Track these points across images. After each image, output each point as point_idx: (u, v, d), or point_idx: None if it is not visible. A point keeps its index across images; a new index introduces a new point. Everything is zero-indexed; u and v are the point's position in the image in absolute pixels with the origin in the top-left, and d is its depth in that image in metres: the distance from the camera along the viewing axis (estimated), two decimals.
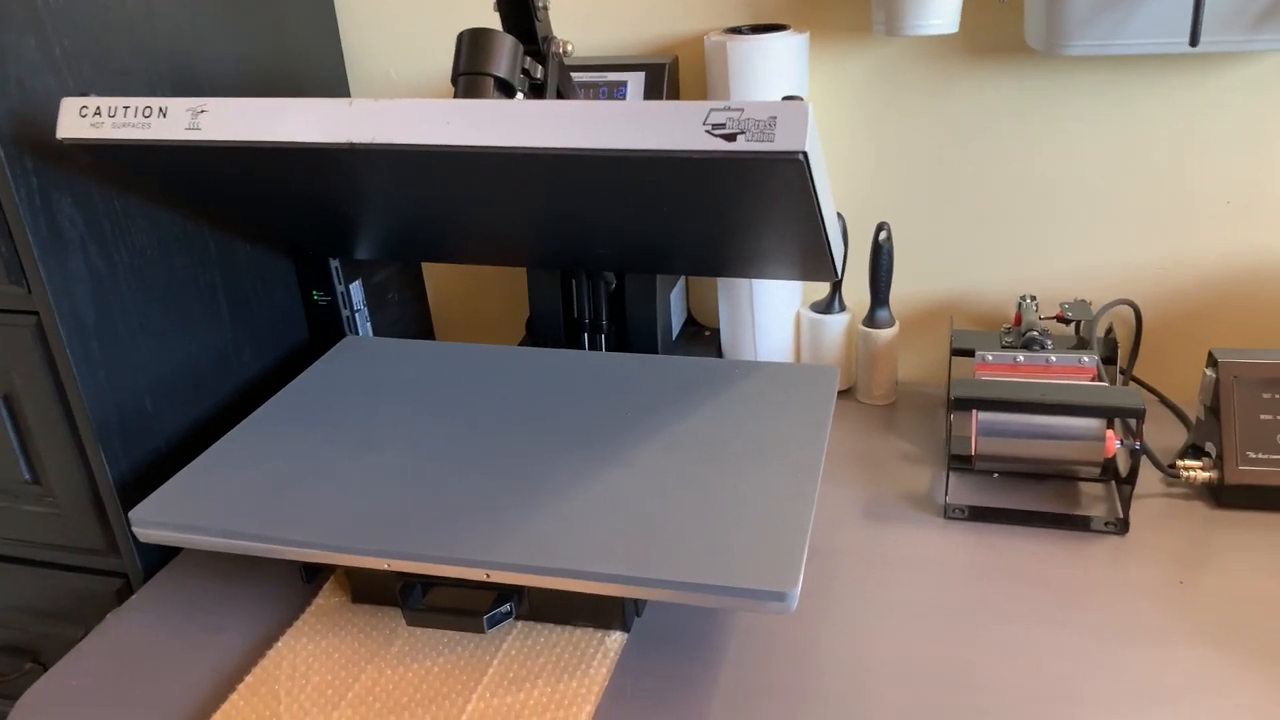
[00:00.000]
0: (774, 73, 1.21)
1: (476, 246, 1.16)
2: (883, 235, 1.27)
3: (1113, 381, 1.18)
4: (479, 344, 1.25)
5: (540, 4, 1.02)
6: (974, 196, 1.31)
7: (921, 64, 1.26)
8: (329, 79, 1.41)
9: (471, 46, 0.93)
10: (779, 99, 0.74)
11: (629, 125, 0.76)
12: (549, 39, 1.04)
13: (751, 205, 0.85)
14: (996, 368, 1.14)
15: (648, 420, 1.02)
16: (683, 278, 1.41)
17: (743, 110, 0.74)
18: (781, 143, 0.73)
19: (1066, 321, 1.22)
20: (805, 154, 0.73)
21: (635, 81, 1.26)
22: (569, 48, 1.04)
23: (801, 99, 0.73)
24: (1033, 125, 1.25)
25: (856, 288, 1.35)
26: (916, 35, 1.20)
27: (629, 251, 1.12)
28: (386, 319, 1.43)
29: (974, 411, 1.05)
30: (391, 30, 1.40)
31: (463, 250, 1.20)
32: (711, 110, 0.74)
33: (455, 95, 0.93)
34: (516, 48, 0.95)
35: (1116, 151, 1.23)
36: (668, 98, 1.26)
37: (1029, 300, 1.28)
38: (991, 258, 1.33)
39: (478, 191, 0.92)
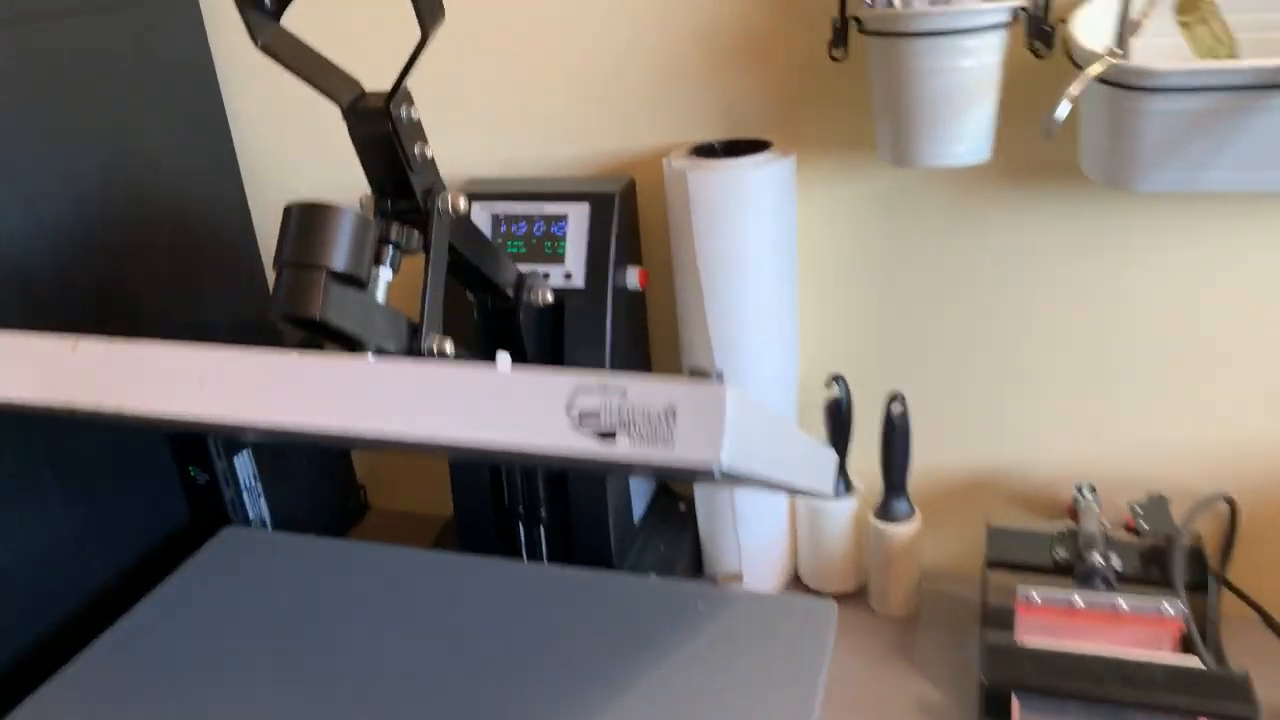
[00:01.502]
0: (749, 207, 0.94)
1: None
2: (897, 409, 0.99)
3: (1203, 590, 0.89)
4: (387, 545, 0.99)
5: (416, 151, 0.75)
6: (1011, 354, 1.02)
7: (942, 192, 0.98)
8: (226, 194, 1.17)
9: (298, 232, 0.67)
10: (685, 378, 0.46)
11: (454, 407, 0.49)
12: (433, 192, 0.77)
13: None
14: (1045, 612, 0.85)
15: (577, 672, 0.75)
16: None
17: (624, 393, 0.46)
18: (684, 450, 0.45)
19: (1139, 534, 0.92)
20: (721, 469, 0.45)
21: (578, 215, 1.00)
22: (461, 204, 0.78)
23: (718, 377, 0.46)
24: (1088, 268, 0.96)
25: (866, 462, 1.06)
26: (944, 167, 0.91)
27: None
28: (293, 492, 1.17)
29: (1013, 699, 0.76)
30: (284, 139, 1.15)
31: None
32: (579, 391, 0.47)
33: (273, 292, 0.67)
34: (365, 229, 0.69)
35: (1201, 304, 0.94)
36: (619, 234, 0.99)
37: (1087, 495, 0.98)
38: (1035, 429, 1.04)
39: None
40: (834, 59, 0.91)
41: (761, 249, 0.96)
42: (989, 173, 0.95)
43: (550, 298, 0.96)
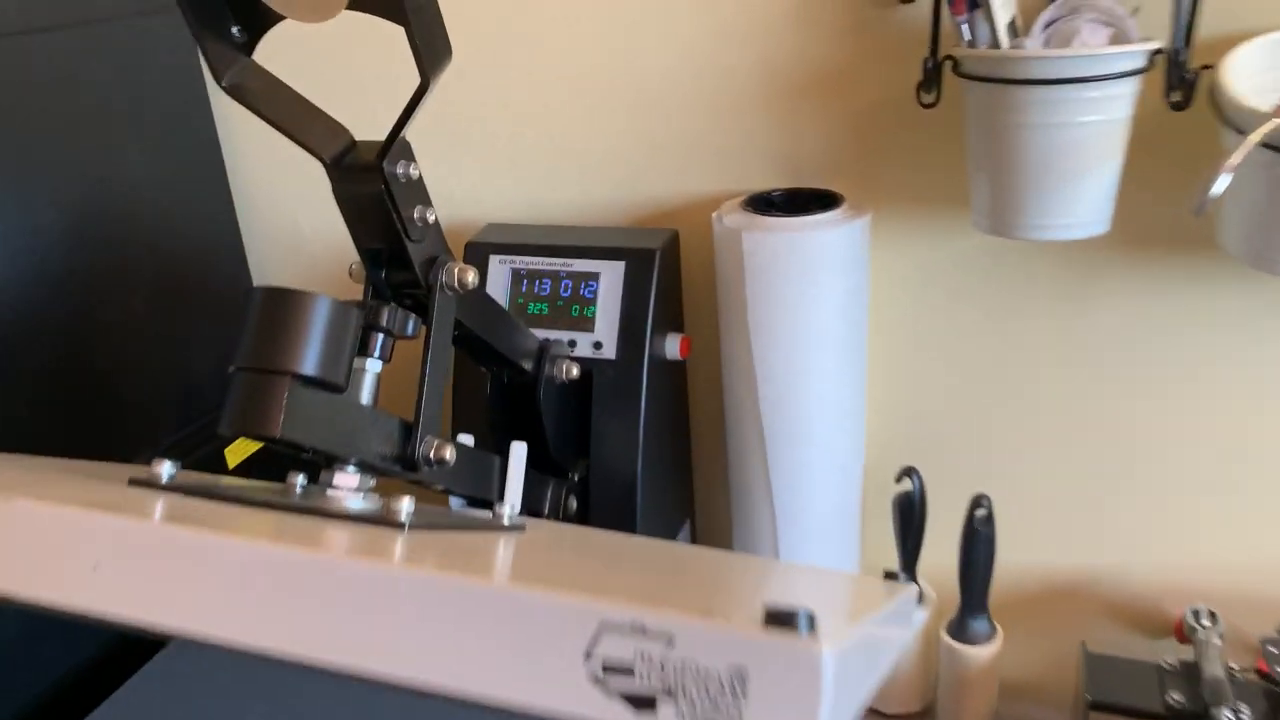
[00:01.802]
0: (815, 273, 0.79)
1: None
2: (981, 514, 0.84)
3: None
4: None
5: (415, 216, 0.62)
6: (1117, 449, 0.87)
7: (1044, 263, 0.83)
8: (219, 230, 1.04)
9: (258, 328, 0.53)
10: (759, 608, 0.32)
11: (421, 641, 0.35)
12: (438, 261, 0.64)
13: None
14: None
15: None
16: (687, 525, 0.99)
17: (670, 640, 0.32)
18: None
19: (1276, 681, 0.77)
20: None
21: (612, 275, 0.85)
22: (472, 278, 0.64)
23: (806, 621, 0.31)
24: (1216, 359, 0.81)
25: (938, 562, 0.91)
26: (1052, 240, 0.76)
27: None
28: None
29: None
30: (286, 170, 1.02)
31: None
32: (603, 630, 0.33)
33: (225, 401, 0.54)
34: (344, 321, 0.55)
35: None
36: (659, 298, 0.85)
37: (1205, 623, 0.83)
38: (1139, 535, 0.89)
39: None
40: (923, 104, 0.77)
41: (827, 321, 0.81)
42: (1102, 243, 0.80)
43: (575, 373, 0.82)
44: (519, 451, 0.75)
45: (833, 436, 0.86)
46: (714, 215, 0.84)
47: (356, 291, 0.65)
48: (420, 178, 0.61)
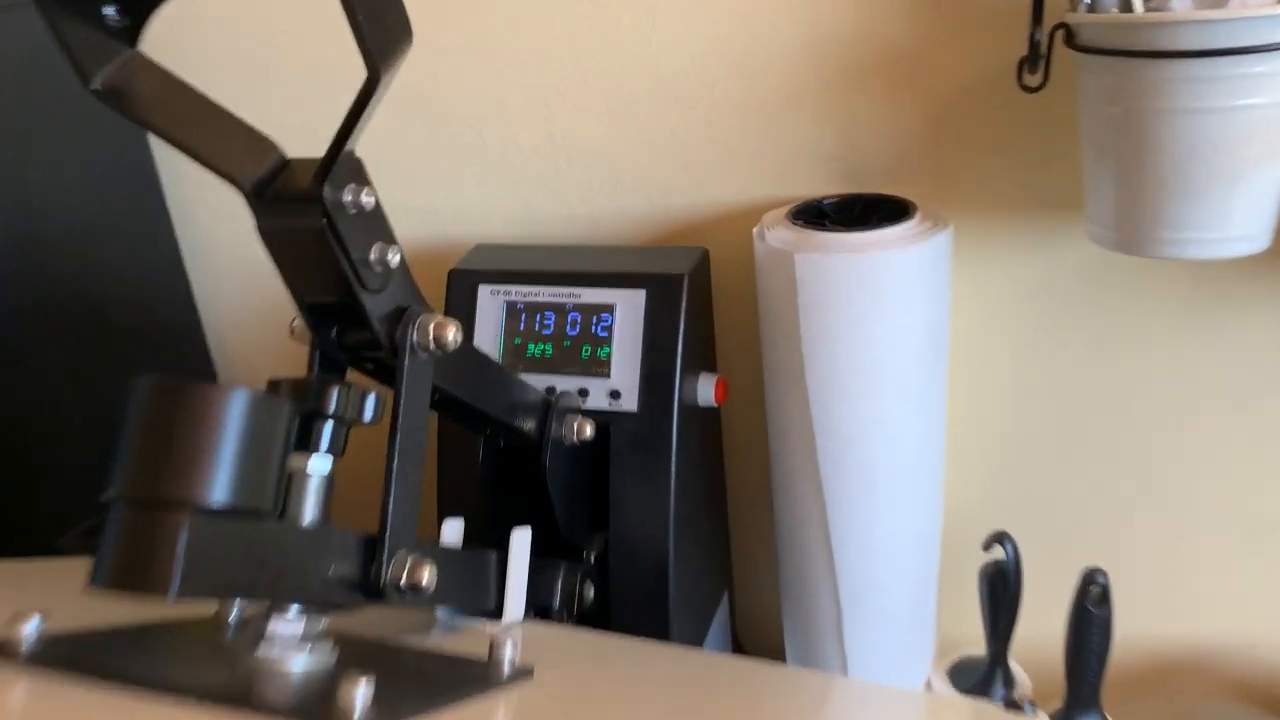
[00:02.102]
0: (887, 301, 0.63)
1: None
2: (1096, 591, 0.68)
3: None
4: None
5: (373, 257, 0.46)
6: (1250, 507, 0.71)
7: (1172, 283, 0.67)
8: (156, 259, 0.88)
9: (142, 442, 0.37)
10: None
11: None
12: (407, 314, 0.48)
13: None
14: None
15: None
16: (725, 599, 0.83)
17: None
18: None
19: None
20: None
21: (630, 306, 0.69)
22: (453, 335, 0.48)
23: None
24: None
25: (1032, 645, 0.75)
26: (1194, 259, 0.60)
27: None
28: None
29: None
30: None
31: None
32: None
33: (98, 548, 0.37)
34: (271, 420, 0.39)
35: None
36: (688, 333, 0.69)
37: None
38: (1266, 603, 0.73)
39: None
40: (1025, 88, 0.60)
41: (900, 360, 0.65)
42: (1248, 263, 0.64)
43: (589, 432, 0.66)
44: (521, 544, 0.60)
45: (907, 497, 0.70)
46: (755, 231, 0.68)
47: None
48: (377, 205, 0.46)
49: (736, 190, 0.73)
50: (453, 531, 0.62)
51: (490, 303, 0.73)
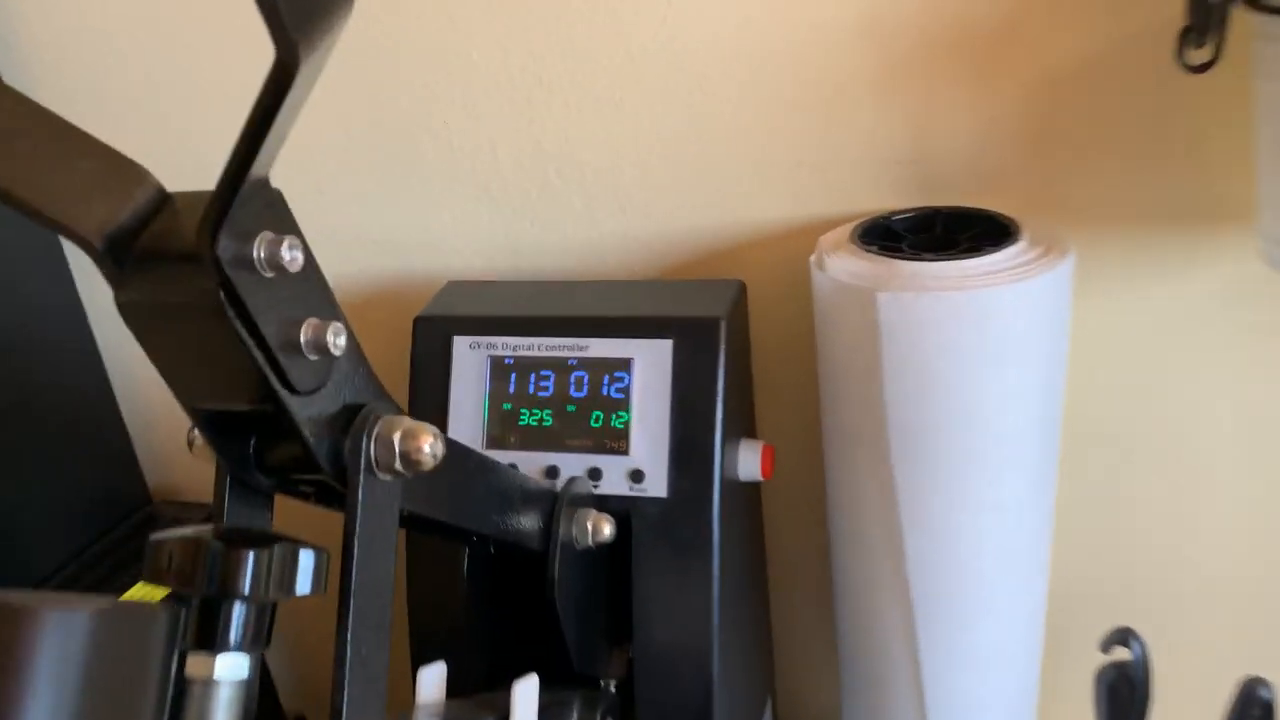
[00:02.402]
0: (998, 356, 0.48)
1: None
2: (1259, 706, 0.53)
3: None
4: None
5: (305, 338, 0.29)
6: None
7: None
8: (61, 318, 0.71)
9: None
10: None
11: None
12: (359, 417, 0.32)
13: None
14: None
15: None
16: (769, 707, 0.68)
17: None
18: None
19: None
20: None
21: (653, 361, 0.54)
22: (429, 448, 0.32)
23: None
24: None
25: None
26: None
27: None
28: None
29: None
30: None
31: None
32: None
33: None
34: (139, 632, 0.23)
35: None
36: (729, 392, 0.53)
37: None
38: None
39: None
40: (1189, 67, 0.45)
41: (1014, 424, 0.50)
42: None
43: (608, 533, 0.50)
44: (526, 701, 0.44)
45: (1011, 593, 0.55)
46: (811, 260, 0.52)
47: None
48: (307, 263, 0.29)
49: (779, 206, 0.58)
50: (432, 683, 0.46)
51: (469, 359, 0.56)
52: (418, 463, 0.32)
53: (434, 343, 0.57)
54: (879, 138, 0.55)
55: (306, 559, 0.30)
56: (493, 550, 0.51)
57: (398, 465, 0.32)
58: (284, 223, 0.28)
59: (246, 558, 0.28)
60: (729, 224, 0.59)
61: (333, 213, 0.64)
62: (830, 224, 0.56)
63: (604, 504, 0.53)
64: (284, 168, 0.29)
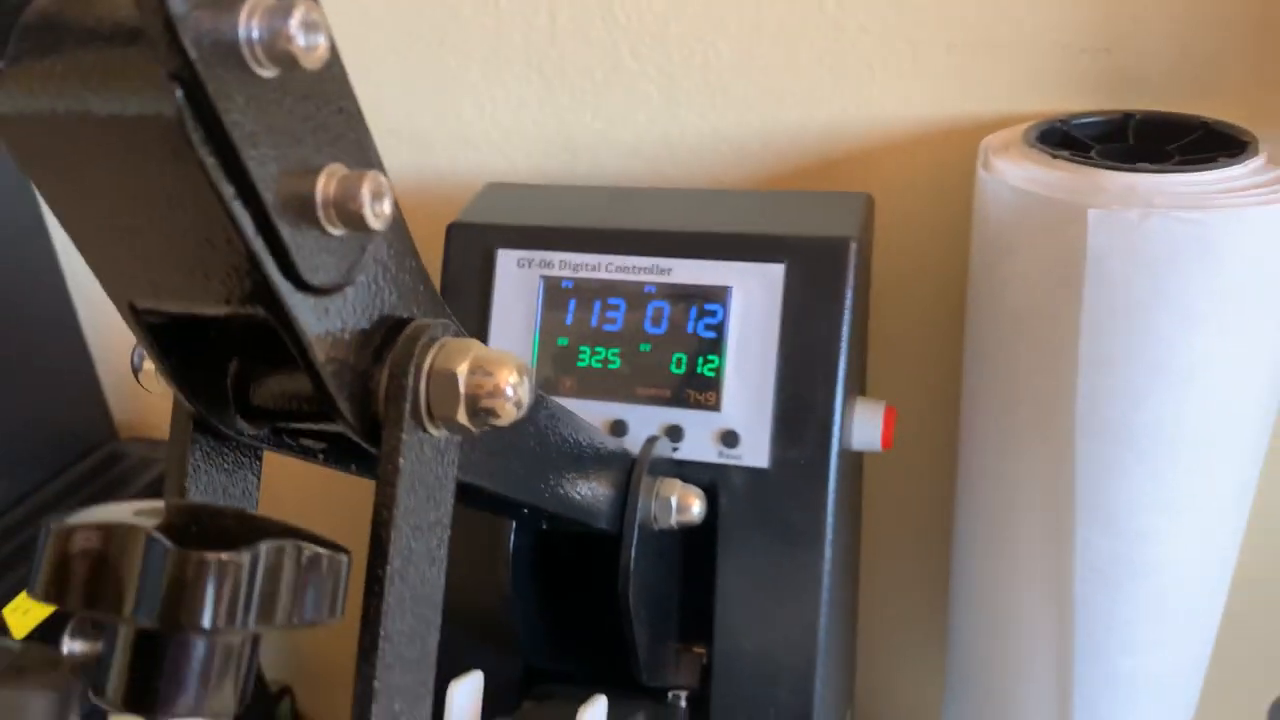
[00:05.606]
0: (1239, 300, 0.36)
1: None
2: None
3: None
4: None
5: (324, 197, 0.16)
6: None
7: None
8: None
9: None
10: None
11: None
12: (400, 340, 0.19)
13: None
14: None
15: None
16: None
17: None
18: None
19: None
20: None
21: (756, 291, 0.41)
22: (512, 389, 0.20)
23: None
24: None
25: None
26: None
27: None
28: None
29: None
30: None
31: None
32: None
33: None
34: None
35: None
36: (853, 338, 0.41)
37: None
38: None
39: None
40: None
41: (1234, 390, 0.38)
42: None
43: (697, 511, 0.38)
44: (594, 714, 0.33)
45: (1195, 615, 0.43)
46: (979, 164, 0.40)
47: None
48: (332, 61, 0.17)
49: (919, 102, 0.45)
50: (466, 701, 0.34)
51: (516, 280, 0.44)
52: (492, 412, 0.20)
53: (472, 257, 0.45)
54: (1057, 15, 0.43)
55: (312, 566, 0.18)
56: (544, 526, 0.39)
57: (461, 415, 0.20)
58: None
59: (207, 567, 0.16)
60: (853, 122, 0.46)
61: None
62: (986, 128, 0.44)
63: (684, 472, 0.41)
64: None
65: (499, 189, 0.50)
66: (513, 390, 0.20)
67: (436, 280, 0.44)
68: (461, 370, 0.20)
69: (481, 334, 0.44)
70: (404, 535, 0.20)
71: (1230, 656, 0.49)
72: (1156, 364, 0.37)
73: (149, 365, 0.21)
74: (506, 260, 0.44)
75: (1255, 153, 0.38)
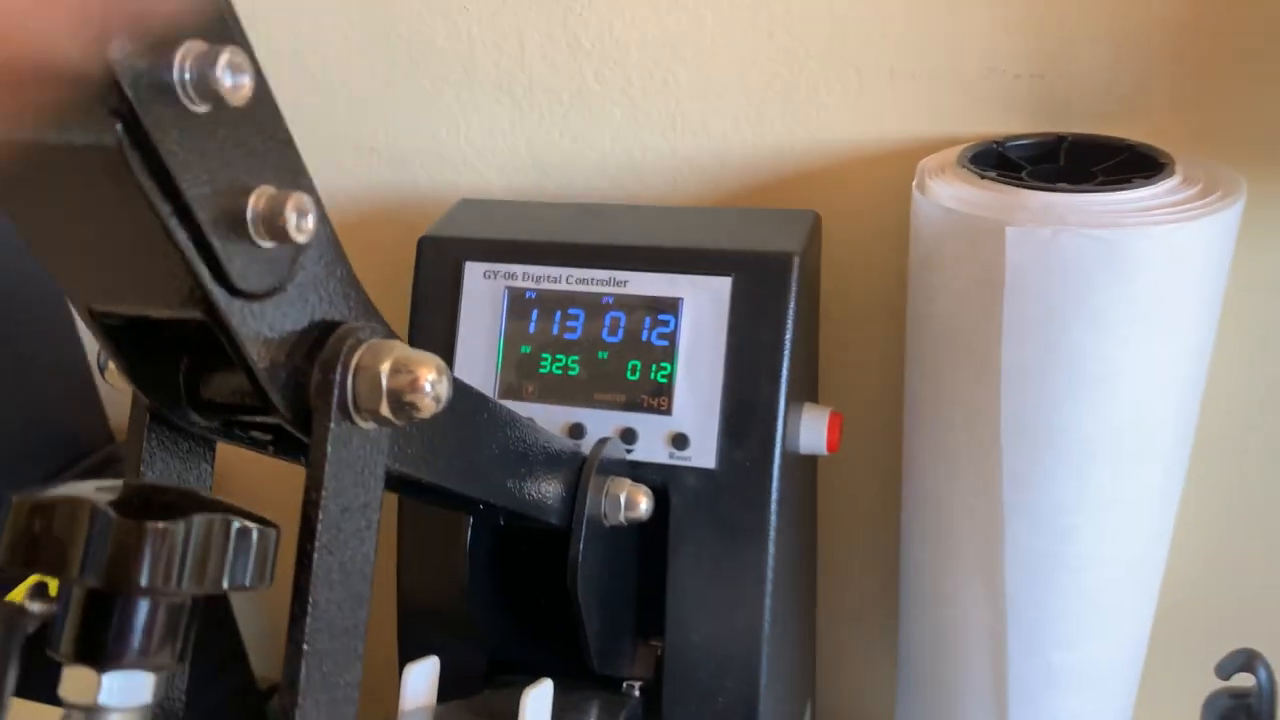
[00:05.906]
0: (1147, 314, 0.38)
1: None
2: None
3: None
4: None
5: (254, 213, 0.19)
6: None
7: None
8: None
9: None
10: None
11: None
12: (330, 342, 0.22)
13: None
14: None
15: None
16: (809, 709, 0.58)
17: None
18: None
19: None
20: None
21: (706, 303, 0.44)
22: (431, 387, 0.22)
23: None
24: None
25: None
26: None
27: None
28: None
29: None
30: None
31: None
32: None
33: None
34: None
35: None
36: (797, 344, 0.43)
37: None
38: None
39: None
40: None
41: (1149, 394, 0.40)
42: None
43: (644, 509, 0.40)
44: (537, 707, 0.35)
45: (1125, 610, 0.46)
46: (914, 185, 0.42)
47: None
48: (258, 89, 0.20)
49: (865, 124, 0.48)
50: (421, 683, 0.37)
51: (483, 291, 0.47)
52: (412, 406, 0.23)
53: (441, 269, 0.47)
54: (993, 44, 0.45)
55: (241, 537, 0.21)
56: (502, 523, 0.42)
57: (384, 409, 0.23)
58: (222, 27, 0.19)
59: (145, 534, 0.19)
60: (801, 144, 0.49)
61: (324, 115, 0.54)
62: (927, 149, 0.46)
63: (638, 473, 0.43)
64: (263, 56, 0.19)
65: (471, 205, 0.52)
66: (431, 387, 0.23)
67: (405, 289, 0.47)
68: (384, 368, 0.23)
69: (449, 341, 0.47)
70: (331, 515, 0.23)
71: (1166, 652, 0.51)
72: (1073, 371, 0.39)
73: (113, 365, 0.24)
74: (474, 272, 0.47)
75: (1171, 174, 0.40)
